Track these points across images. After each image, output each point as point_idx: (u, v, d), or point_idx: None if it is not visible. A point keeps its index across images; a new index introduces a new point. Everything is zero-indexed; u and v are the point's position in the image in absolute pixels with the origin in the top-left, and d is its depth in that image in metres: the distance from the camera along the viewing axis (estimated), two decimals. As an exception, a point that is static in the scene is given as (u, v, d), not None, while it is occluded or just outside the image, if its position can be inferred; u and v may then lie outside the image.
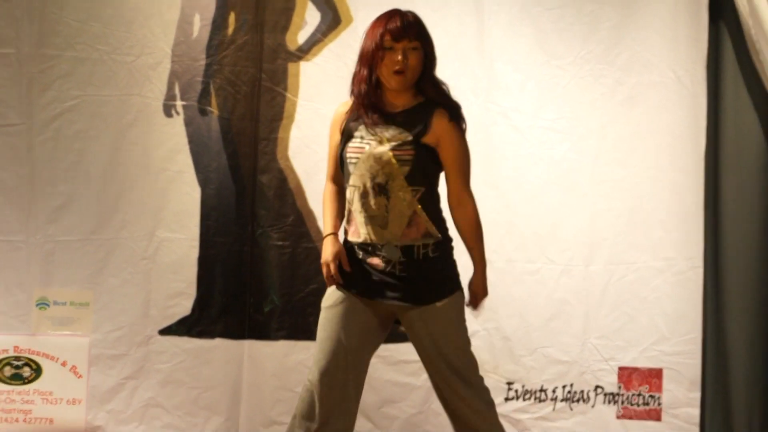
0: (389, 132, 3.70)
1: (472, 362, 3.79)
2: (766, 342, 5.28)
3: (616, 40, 5.22)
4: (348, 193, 3.73)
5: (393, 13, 3.74)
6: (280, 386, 5.10)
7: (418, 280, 3.70)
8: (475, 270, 3.79)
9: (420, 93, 3.76)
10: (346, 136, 3.76)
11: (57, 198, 5.05)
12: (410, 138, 3.69)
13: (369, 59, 3.70)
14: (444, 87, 3.75)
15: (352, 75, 3.84)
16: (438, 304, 3.69)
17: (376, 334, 3.78)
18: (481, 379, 3.81)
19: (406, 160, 3.67)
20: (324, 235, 3.84)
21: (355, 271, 3.74)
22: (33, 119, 5.03)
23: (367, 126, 3.71)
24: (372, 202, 3.68)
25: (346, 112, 3.82)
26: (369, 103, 3.69)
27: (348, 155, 3.72)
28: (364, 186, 3.68)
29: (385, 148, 3.68)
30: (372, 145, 3.69)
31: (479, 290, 3.79)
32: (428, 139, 3.71)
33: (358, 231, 3.73)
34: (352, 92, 3.82)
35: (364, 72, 3.71)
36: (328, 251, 3.73)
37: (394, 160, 3.66)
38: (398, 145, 3.68)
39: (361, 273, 3.73)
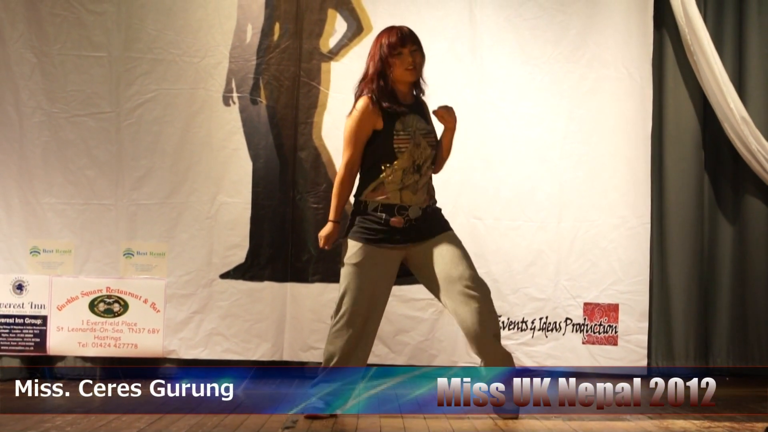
0: (420, 124, 4.14)
1: (478, 278, 4.18)
2: (699, 282, 5.77)
3: (580, 43, 5.67)
4: (391, 170, 4.09)
5: (391, 29, 4.15)
6: (315, 319, 5.51)
7: (429, 223, 4.19)
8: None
9: (414, 87, 4.19)
10: (387, 130, 4.09)
11: (139, 170, 5.48)
12: (431, 128, 4.22)
13: (383, 64, 4.07)
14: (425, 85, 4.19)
15: (363, 79, 4.13)
16: (449, 232, 4.24)
17: (390, 280, 4.22)
18: (487, 289, 4.15)
19: (434, 146, 4.21)
20: (330, 219, 4.17)
21: (379, 230, 4.13)
22: (120, 108, 5.47)
23: (399, 117, 4.07)
24: (411, 177, 4.13)
25: (372, 114, 4.09)
26: (388, 94, 4.08)
27: (396, 145, 4.11)
28: (407, 167, 4.12)
29: (424, 140, 4.15)
30: (414, 137, 4.12)
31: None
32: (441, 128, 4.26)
33: (389, 196, 4.11)
34: (366, 92, 4.08)
35: (380, 74, 4.08)
36: (325, 231, 4.16)
37: (429, 147, 4.19)
38: (428, 133, 4.19)
39: (384, 231, 4.12)
